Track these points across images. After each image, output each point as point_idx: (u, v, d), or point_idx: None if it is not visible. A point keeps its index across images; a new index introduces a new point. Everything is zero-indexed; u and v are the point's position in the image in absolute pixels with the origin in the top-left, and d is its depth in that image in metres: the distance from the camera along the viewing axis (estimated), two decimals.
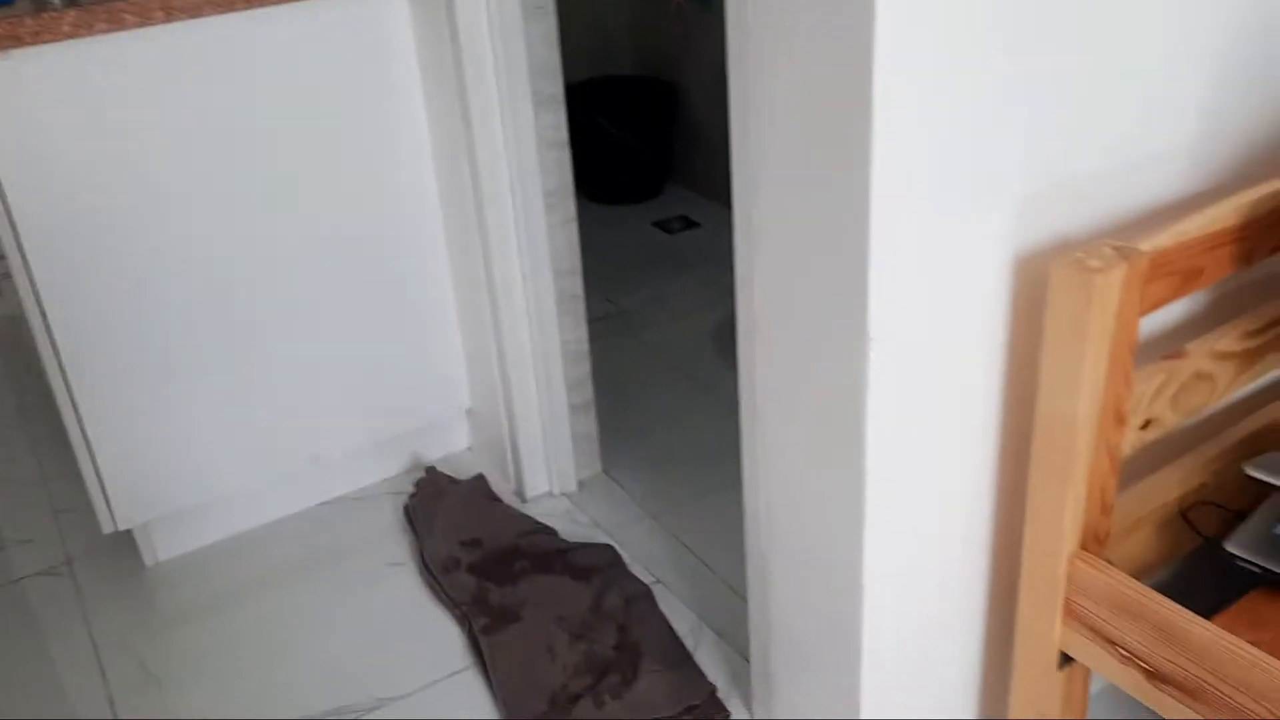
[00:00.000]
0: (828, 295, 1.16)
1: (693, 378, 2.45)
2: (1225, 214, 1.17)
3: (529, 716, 1.61)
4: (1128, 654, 1.16)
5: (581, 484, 2.15)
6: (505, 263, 1.91)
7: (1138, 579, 1.15)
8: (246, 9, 1.70)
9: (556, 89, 1.84)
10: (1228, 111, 1.27)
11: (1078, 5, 1.10)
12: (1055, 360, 1.11)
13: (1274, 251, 1.25)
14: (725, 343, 2.55)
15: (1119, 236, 1.24)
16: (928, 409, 1.21)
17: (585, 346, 2.06)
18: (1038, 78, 1.10)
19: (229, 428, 1.94)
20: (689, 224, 3.21)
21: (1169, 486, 1.33)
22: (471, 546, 1.94)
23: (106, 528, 1.89)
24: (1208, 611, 1.14)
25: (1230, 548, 1.21)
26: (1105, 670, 1.20)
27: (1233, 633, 1.07)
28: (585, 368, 2.08)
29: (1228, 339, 1.27)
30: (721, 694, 1.66)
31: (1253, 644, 1.05)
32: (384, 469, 2.19)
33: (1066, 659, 1.26)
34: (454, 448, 2.26)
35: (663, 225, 3.21)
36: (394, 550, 2.01)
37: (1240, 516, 1.28)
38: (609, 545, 1.95)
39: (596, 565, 1.89)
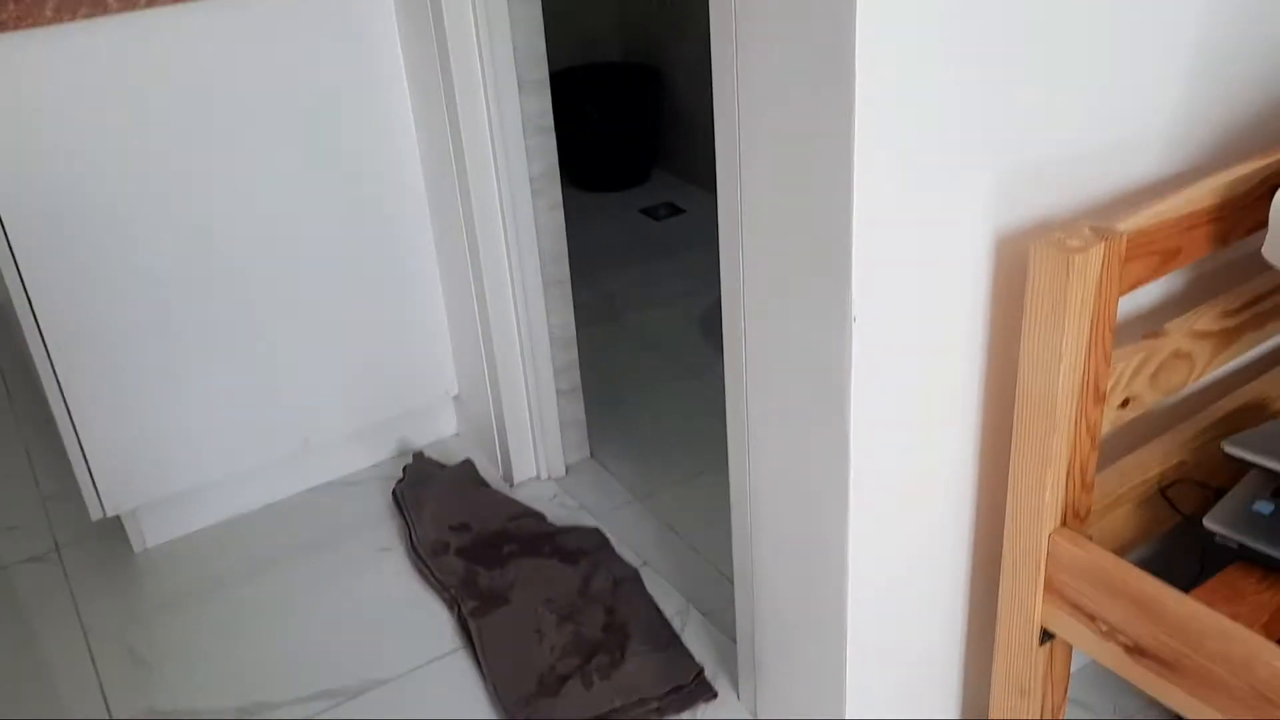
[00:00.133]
0: (811, 277, 1.17)
1: (679, 362, 2.46)
2: (1202, 195, 1.19)
3: (518, 698, 1.62)
4: (1108, 629, 1.18)
5: (569, 469, 2.16)
6: (491, 248, 1.91)
7: (1118, 556, 1.17)
8: None
9: (542, 74, 1.84)
10: (1206, 93, 1.29)
11: None
12: (1035, 339, 1.13)
13: (1251, 232, 1.27)
14: (712, 328, 2.57)
15: (1099, 217, 1.26)
16: (910, 389, 1.22)
17: (572, 332, 2.07)
18: (1017, 60, 1.11)
19: (217, 413, 1.94)
20: (675, 210, 3.21)
21: (1149, 464, 1.35)
22: (460, 531, 1.95)
23: (95, 514, 1.90)
24: (1186, 587, 1.16)
25: (1209, 524, 1.23)
26: (1086, 645, 1.22)
27: (1210, 607, 1.09)
28: (572, 353, 2.09)
29: (1206, 318, 1.29)
30: (709, 674, 1.67)
31: (1230, 618, 1.07)
32: (372, 455, 2.20)
33: (1048, 635, 1.28)
34: (442, 433, 2.27)
35: (649, 212, 3.22)
36: (383, 535, 2.01)
37: (1219, 494, 1.29)
38: (596, 529, 1.96)
39: (584, 548, 1.90)
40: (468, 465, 2.13)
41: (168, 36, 1.70)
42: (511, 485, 2.12)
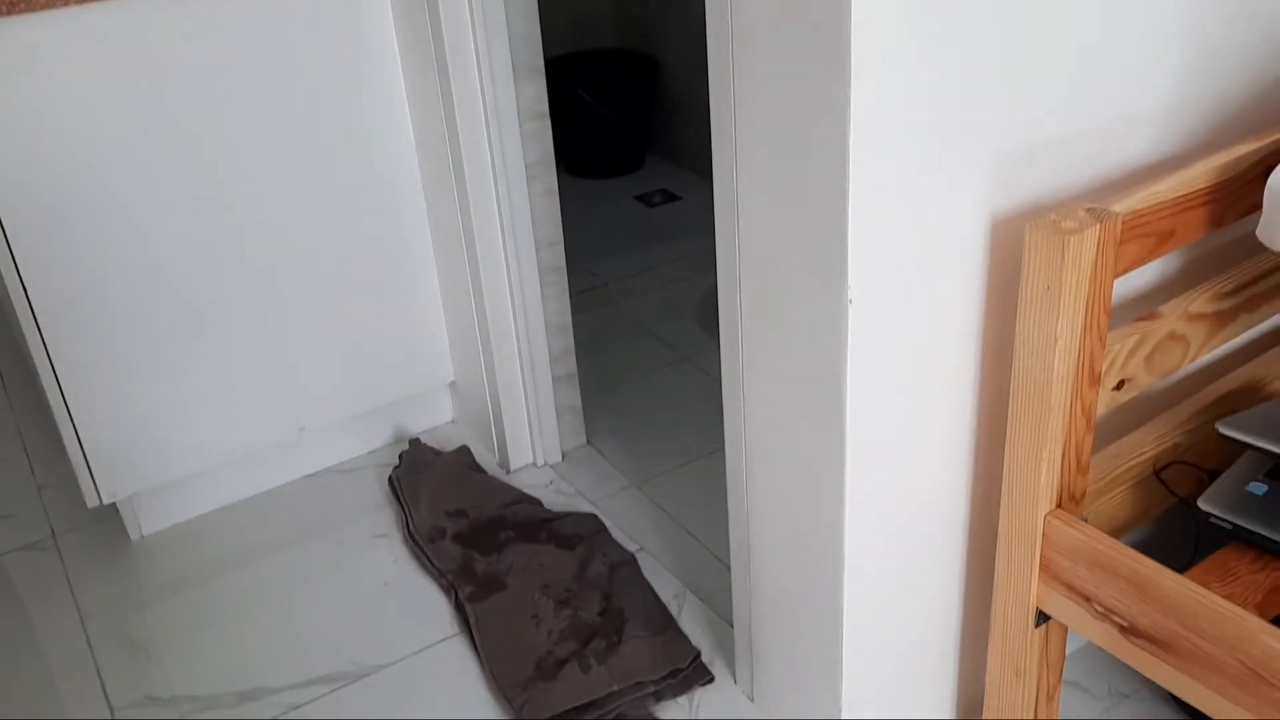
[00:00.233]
0: (807, 259, 1.17)
1: (675, 349, 2.46)
2: (1197, 176, 1.19)
3: (515, 681, 1.62)
4: (1103, 609, 1.18)
5: (565, 455, 2.16)
6: (487, 234, 1.91)
7: (1113, 537, 1.18)
8: None
9: (537, 60, 1.84)
10: (1200, 75, 1.29)
11: None
12: (1031, 321, 1.13)
13: (1245, 214, 1.27)
14: (707, 314, 2.57)
15: (1094, 199, 1.26)
16: (907, 371, 1.23)
17: (568, 319, 2.07)
18: (1013, 42, 1.11)
19: (213, 400, 1.94)
20: (670, 197, 3.21)
21: (1144, 446, 1.36)
22: (457, 517, 1.95)
23: (91, 501, 1.90)
24: (1181, 568, 1.16)
25: (1203, 505, 1.23)
26: (1081, 626, 1.22)
27: (1205, 587, 1.09)
28: (568, 340, 2.09)
29: (1200, 301, 1.29)
30: (706, 658, 1.68)
31: (1224, 598, 1.08)
32: (368, 442, 2.20)
33: (1043, 617, 1.28)
34: (438, 420, 2.27)
35: (644, 199, 3.22)
36: (380, 521, 2.02)
37: (1213, 476, 1.30)
38: (593, 514, 1.96)
39: (581, 534, 1.91)
40: (464, 452, 2.13)
41: (157, 22, 1.69)
42: (508, 471, 2.12)
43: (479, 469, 2.10)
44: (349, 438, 2.17)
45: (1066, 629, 1.32)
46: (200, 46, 1.73)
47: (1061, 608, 1.24)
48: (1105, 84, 1.21)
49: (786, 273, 1.22)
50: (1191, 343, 1.31)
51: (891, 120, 1.07)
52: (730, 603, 1.63)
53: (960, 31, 1.07)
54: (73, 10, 1.62)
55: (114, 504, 1.98)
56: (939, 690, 1.52)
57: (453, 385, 2.24)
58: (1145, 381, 1.28)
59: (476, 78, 1.79)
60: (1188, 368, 1.47)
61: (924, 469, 1.31)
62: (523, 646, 1.68)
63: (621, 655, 1.64)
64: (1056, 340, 1.11)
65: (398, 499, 2.04)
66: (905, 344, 1.21)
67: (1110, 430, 1.42)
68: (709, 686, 1.64)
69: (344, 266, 1.99)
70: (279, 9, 1.77)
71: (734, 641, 1.62)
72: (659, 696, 1.61)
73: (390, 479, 2.09)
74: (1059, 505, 1.22)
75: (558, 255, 2.00)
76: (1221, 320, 1.33)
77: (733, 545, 1.52)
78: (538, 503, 2.01)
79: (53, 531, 2.05)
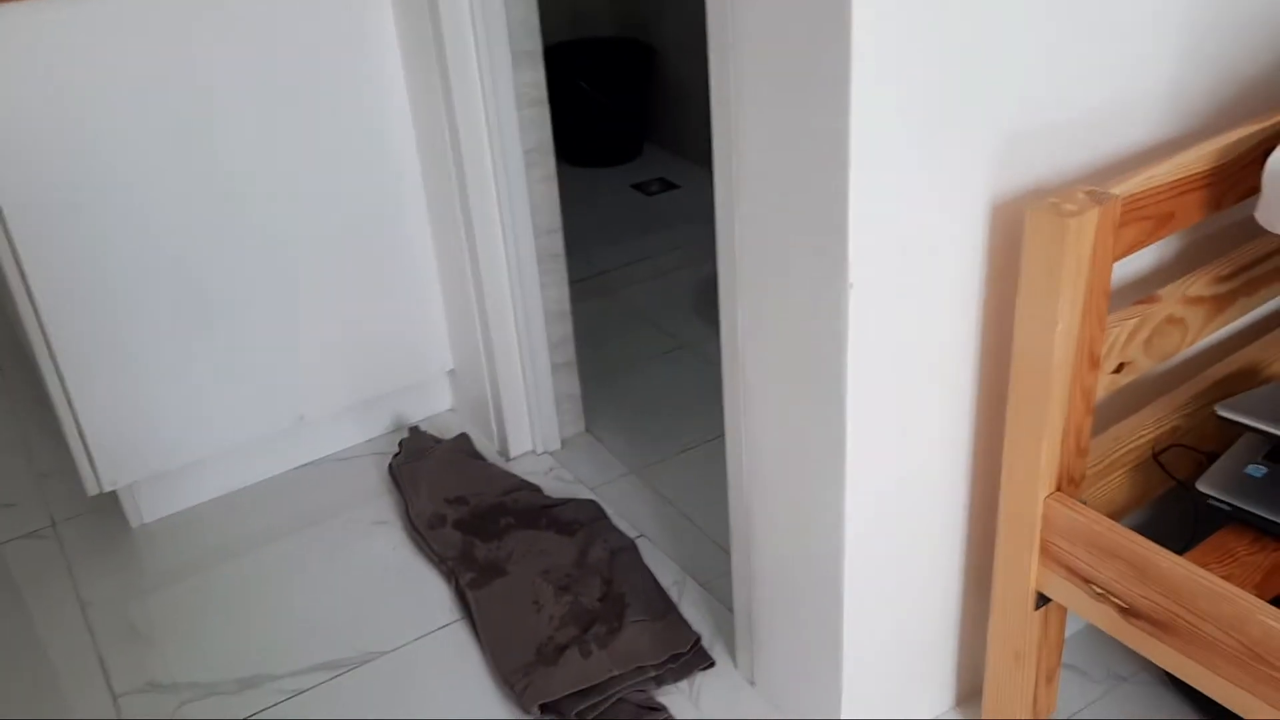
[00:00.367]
0: (807, 243, 1.18)
1: (673, 336, 2.47)
2: (1196, 159, 1.20)
3: (516, 667, 1.63)
4: (1102, 591, 1.19)
5: (564, 442, 2.16)
6: (486, 221, 1.91)
7: (1113, 520, 1.18)
8: None
9: (535, 46, 1.84)
10: (1200, 58, 1.29)
11: None
12: (1031, 304, 1.13)
13: (1244, 197, 1.28)
14: (704, 302, 2.57)
15: (1093, 182, 1.26)
16: (907, 355, 1.23)
17: (567, 306, 2.07)
18: (1013, 25, 1.11)
19: (213, 388, 1.94)
20: (667, 185, 3.21)
21: (1143, 429, 1.36)
22: (457, 504, 1.95)
23: (91, 489, 1.90)
24: (1180, 550, 1.17)
25: (1202, 487, 1.24)
26: (1080, 608, 1.23)
27: (1203, 567, 1.10)
28: (567, 327, 2.09)
29: (1199, 284, 1.30)
30: (706, 643, 1.68)
31: (1223, 578, 1.08)
32: (367, 430, 2.20)
33: (1043, 599, 1.29)
34: (437, 408, 2.27)
35: (641, 187, 3.22)
36: (380, 509, 2.02)
37: (1212, 459, 1.31)
38: (593, 501, 1.97)
39: (580, 520, 1.91)
40: (463, 439, 2.13)
41: (157, 7, 1.69)
42: (507, 459, 2.12)
43: (479, 456, 2.11)
44: (348, 426, 2.17)
45: (1066, 611, 1.33)
46: (199, 39, 1.73)
47: (1061, 590, 1.25)
48: (1105, 66, 1.21)
49: (786, 256, 1.22)
50: (1190, 326, 1.31)
51: (892, 103, 1.07)
52: (730, 588, 1.63)
53: (960, 13, 1.07)
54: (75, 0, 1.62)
55: (114, 492, 1.98)
56: (939, 673, 1.52)
57: (452, 373, 2.24)
58: (1144, 365, 1.28)
59: (475, 63, 1.79)
60: (1186, 351, 1.48)
61: (924, 452, 1.32)
62: (523, 632, 1.69)
63: (622, 640, 1.64)
64: (1056, 323, 1.12)
65: (398, 487, 2.04)
66: (905, 328, 1.21)
67: (1109, 414, 1.42)
68: (709, 671, 1.65)
69: (343, 255, 1.99)
70: None
71: (734, 626, 1.63)
72: (660, 681, 1.62)
73: (390, 467, 2.09)
74: (1058, 488, 1.23)
75: (556, 242, 2.00)
76: (1220, 303, 1.33)
77: (733, 530, 1.53)
78: (537, 490, 2.01)
79: (53, 520, 2.05)
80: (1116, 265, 1.19)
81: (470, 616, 1.75)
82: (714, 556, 1.85)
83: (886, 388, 1.23)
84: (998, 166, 1.18)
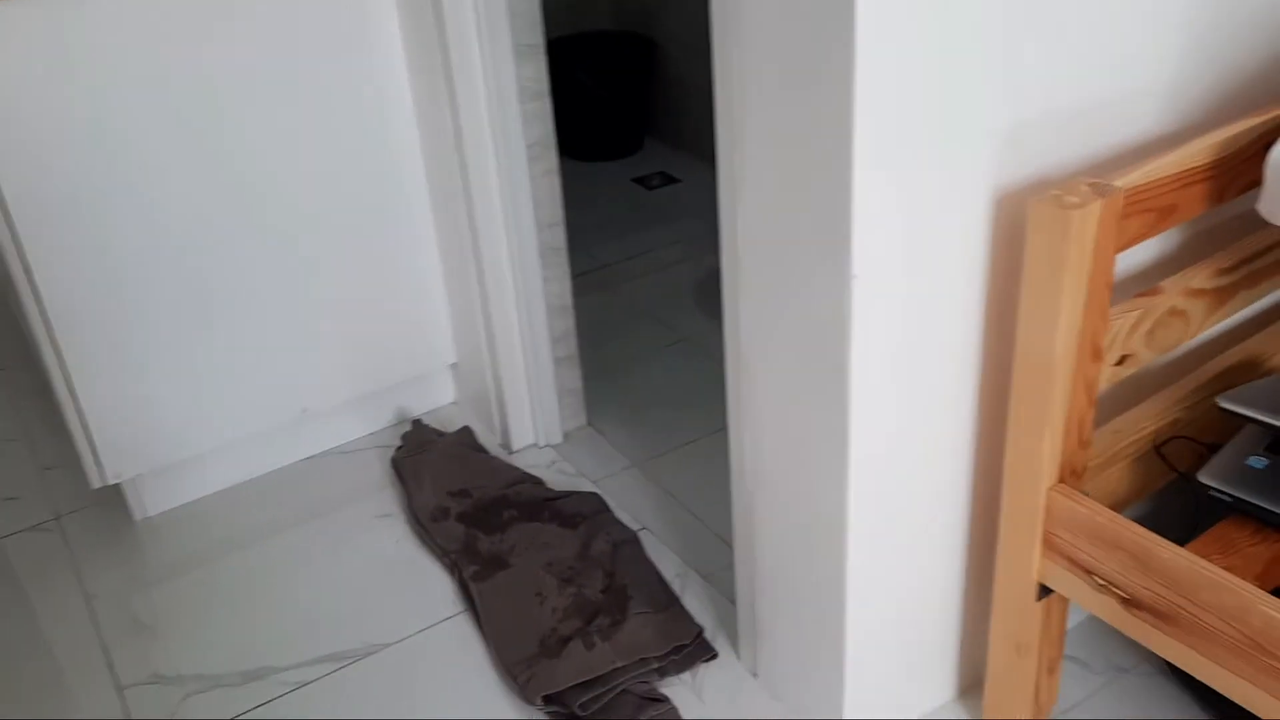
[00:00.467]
0: (810, 235, 1.18)
1: (674, 330, 2.47)
2: (1198, 152, 1.20)
3: (520, 659, 1.64)
4: (1104, 582, 1.19)
5: (566, 435, 2.17)
6: (488, 215, 1.91)
7: (1115, 512, 1.19)
8: None
9: (537, 39, 1.84)
10: (1202, 50, 1.29)
11: None
12: (1033, 296, 1.14)
13: (1246, 189, 1.28)
14: (706, 295, 2.57)
15: (1096, 174, 1.26)
16: (910, 347, 1.23)
17: (569, 300, 2.07)
18: (1017, 17, 1.12)
19: (216, 382, 1.95)
20: (668, 179, 3.21)
21: (1145, 421, 1.37)
22: (460, 497, 1.96)
23: (95, 482, 1.90)
24: (1182, 541, 1.17)
25: (1203, 479, 1.24)
26: (1082, 599, 1.23)
27: (1205, 558, 1.10)
28: (569, 321, 2.10)
29: (1201, 276, 1.30)
30: (708, 635, 1.69)
31: (1224, 569, 1.09)
32: (370, 423, 2.21)
33: (1045, 590, 1.29)
34: (439, 401, 2.27)
35: (642, 181, 3.22)
36: (382, 502, 2.03)
37: (1213, 450, 1.31)
38: (595, 493, 1.97)
39: (583, 512, 1.92)
40: (466, 432, 2.14)
41: (166, 4, 1.69)
42: (510, 452, 2.13)
43: (481, 449, 2.11)
44: (351, 419, 2.18)
45: (1068, 603, 1.33)
46: (203, 33, 1.73)
47: (1063, 581, 1.25)
48: (1108, 59, 1.21)
49: (789, 248, 1.22)
50: (1192, 318, 1.31)
51: (896, 95, 1.07)
52: (732, 581, 1.64)
53: (964, 6, 1.08)
54: None
55: (118, 485, 1.98)
56: (941, 665, 1.53)
57: (454, 366, 2.24)
58: (1146, 357, 1.29)
59: (477, 56, 1.79)
60: (1188, 343, 1.48)
61: (927, 445, 1.32)
62: (526, 624, 1.69)
63: (625, 632, 1.65)
64: (1059, 315, 1.12)
65: (400, 480, 2.05)
66: (908, 319, 1.21)
67: (1111, 406, 1.42)
68: (712, 663, 1.65)
69: (346, 248, 1.99)
70: None
71: (736, 618, 1.63)
72: (663, 673, 1.63)
73: (393, 460, 2.09)
74: (1061, 480, 1.23)
75: (558, 236, 2.01)
76: (1222, 296, 1.33)
77: (735, 523, 1.53)
78: (540, 482, 2.02)
79: (57, 513, 2.06)
80: (1119, 258, 1.19)
81: (473, 609, 1.75)
82: (716, 549, 1.86)
83: (889, 380, 1.24)
84: (1001, 159, 1.18)
